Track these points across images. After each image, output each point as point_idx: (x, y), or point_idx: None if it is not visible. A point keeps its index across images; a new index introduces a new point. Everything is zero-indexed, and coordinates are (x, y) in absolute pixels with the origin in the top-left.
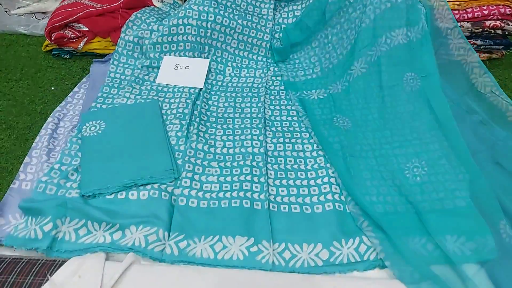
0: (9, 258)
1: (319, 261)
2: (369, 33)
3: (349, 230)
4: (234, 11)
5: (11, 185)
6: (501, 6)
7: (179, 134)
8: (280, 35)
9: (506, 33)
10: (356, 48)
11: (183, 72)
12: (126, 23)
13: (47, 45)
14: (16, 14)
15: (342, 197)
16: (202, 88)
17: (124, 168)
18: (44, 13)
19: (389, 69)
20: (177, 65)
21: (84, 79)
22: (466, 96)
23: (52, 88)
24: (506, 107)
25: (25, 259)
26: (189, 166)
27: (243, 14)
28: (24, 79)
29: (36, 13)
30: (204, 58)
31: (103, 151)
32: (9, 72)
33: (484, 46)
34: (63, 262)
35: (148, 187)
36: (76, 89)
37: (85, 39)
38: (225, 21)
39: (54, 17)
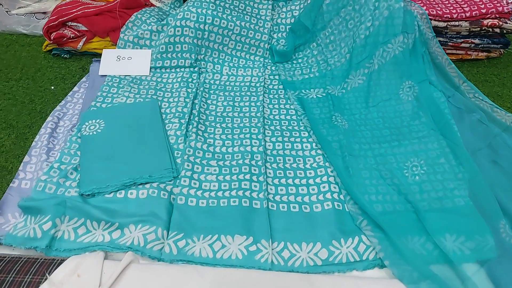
0: (8, 257)
1: (318, 261)
2: (366, 47)
3: (348, 229)
4: (233, 12)
5: (11, 184)
6: (498, 5)
7: (178, 133)
8: (279, 35)
9: (504, 31)
10: (353, 61)
11: (125, 62)
12: (126, 23)
13: (47, 45)
14: (16, 14)
15: (341, 196)
16: (199, 88)
17: (123, 167)
18: (44, 13)
19: (387, 82)
20: (118, 57)
21: (83, 79)
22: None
23: (52, 87)
24: (491, 108)
25: (24, 258)
26: (188, 165)
27: (241, 15)
28: (24, 79)
29: (36, 13)
30: (201, 59)
31: (103, 150)
32: (9, 71)
33: (482, 45)
34: (62, 261)
35: (147, 186)
36: (75, 88)
37: (84, 39)
38: (223, 23)
39: (51, 16)
